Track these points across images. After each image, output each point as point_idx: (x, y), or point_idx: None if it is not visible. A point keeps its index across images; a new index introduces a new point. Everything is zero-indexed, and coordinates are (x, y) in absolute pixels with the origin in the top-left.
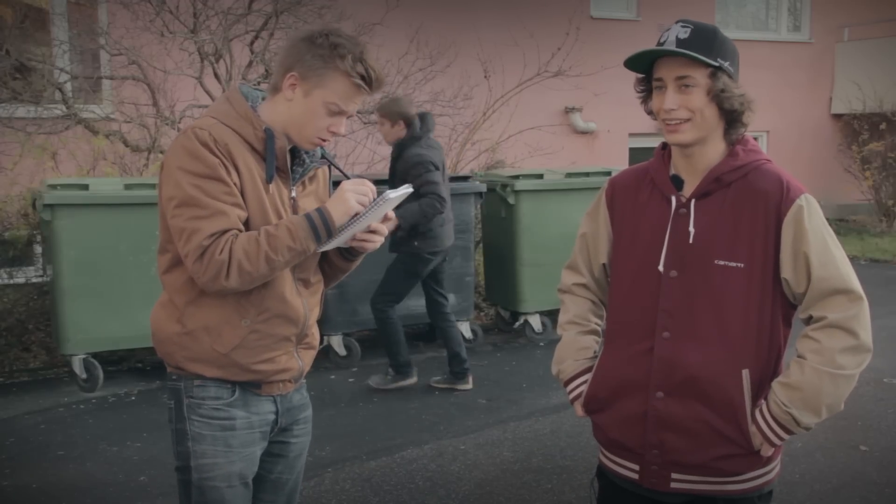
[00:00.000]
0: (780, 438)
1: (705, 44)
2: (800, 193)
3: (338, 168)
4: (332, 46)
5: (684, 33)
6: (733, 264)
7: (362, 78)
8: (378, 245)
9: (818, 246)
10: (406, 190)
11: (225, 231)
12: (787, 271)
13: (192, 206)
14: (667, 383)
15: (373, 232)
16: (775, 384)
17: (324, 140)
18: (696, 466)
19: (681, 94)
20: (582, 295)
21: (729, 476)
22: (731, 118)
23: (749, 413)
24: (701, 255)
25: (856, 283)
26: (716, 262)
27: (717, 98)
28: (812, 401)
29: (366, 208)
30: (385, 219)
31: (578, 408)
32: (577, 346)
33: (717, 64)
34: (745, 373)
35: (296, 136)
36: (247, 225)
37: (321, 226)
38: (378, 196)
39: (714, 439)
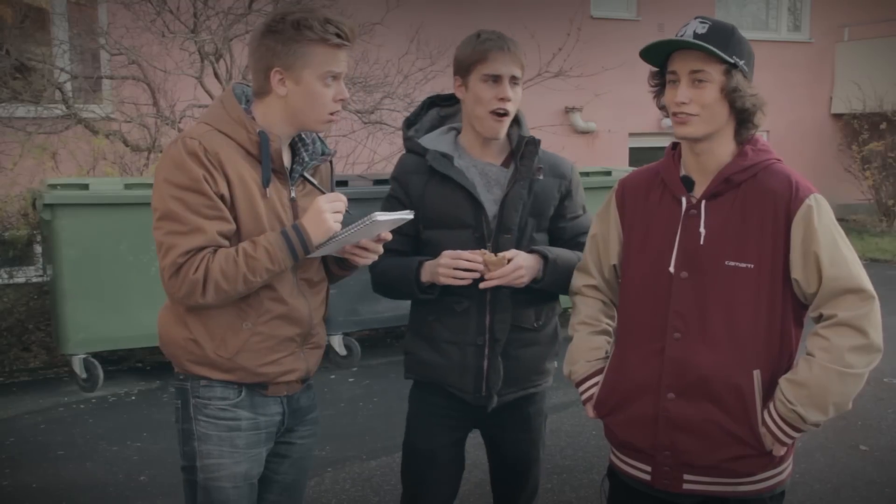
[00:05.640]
0: (789, 437)
1: (722, 40)
2: (809, 193)
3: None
4: (294, 25)
5: (702, 28)
6: (743, 265)
7: (337, 35)
8: (370, 262)
9: (828, 245)
10: (404, 216)
11: (201, 248)
12: (797, 271)
13: (171, 220)
14: (678, 384)
15: (364, 248)
16: (782, 381)
17: (333, 114)
18: (709, 468)
19: (694, 89)
20: (593, 296)
21: (741, 477)
22: (742, 118)
23: (760, 414)
24: (711, 256)
25: (867, 283)
26: (726, 263)
27: (730, 96)
28: (819, 398)
29: (349, 227)
30: (379, 238)
31: (590, 409)
32: (588, 347)
33: (732, 61)
34: (757, 373)
35: (307, 123)
36: (239, 234)
37: (299, 247)
38: (366, 216)
39: (726, 440)
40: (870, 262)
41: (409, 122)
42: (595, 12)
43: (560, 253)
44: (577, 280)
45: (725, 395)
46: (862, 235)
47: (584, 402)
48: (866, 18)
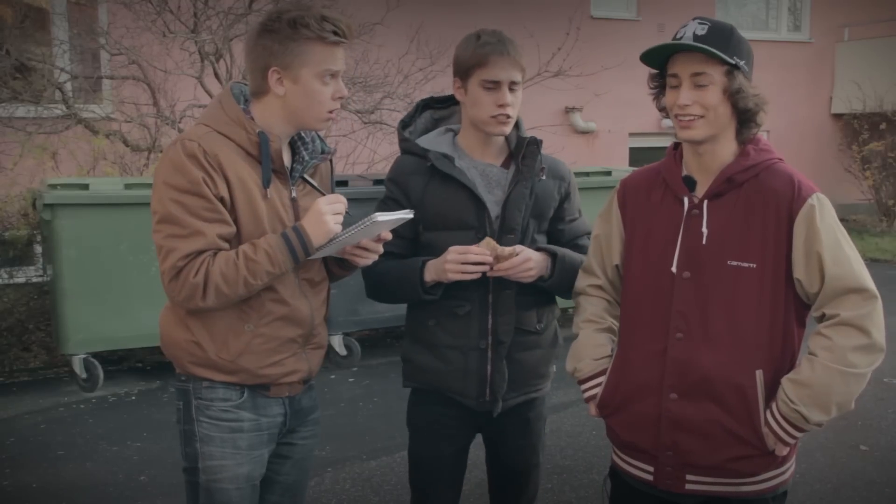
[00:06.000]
0: (792, 437)
1: (722, 41)
2: (811, 193)
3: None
4: (290, 24)
5: (702, 30)
6: (746, 265)
7: (334, 33)
8: (370, 262)
9: (831, 245)
10: (404, 215)
11: (201, 252)
12: (799, 271)
13: (170, 223)
14: (680, 384)
15: (364, 248)
16: (785, 381)
17: (332, 112)
18: (711, 468)
19: (696, 91)
20: (597, 295)
21: (744, 477)
22: (745, 118)
23: (763, 414)
24: (714, 255)
25: (870, 282)
26: (728, 262)
27: (733, 97)
28: (822, 398)
29: (350, 227)
30: (379, 238)
31: (592, 407)
32: (594, 344)
33: (733, 62)
34: (759, 373)
35: (306, 121)
36: (240, 236)
37: (299, 249)
38: (366, 217)
39: (728, 440)
40: (870, 262)
41: (404, 124)
42: (595, 12)
43: (567, 251)
44: (582, 280)
45: (728, 395)
46: (862, 235)
47: (587, 401)
48: (866, 18)
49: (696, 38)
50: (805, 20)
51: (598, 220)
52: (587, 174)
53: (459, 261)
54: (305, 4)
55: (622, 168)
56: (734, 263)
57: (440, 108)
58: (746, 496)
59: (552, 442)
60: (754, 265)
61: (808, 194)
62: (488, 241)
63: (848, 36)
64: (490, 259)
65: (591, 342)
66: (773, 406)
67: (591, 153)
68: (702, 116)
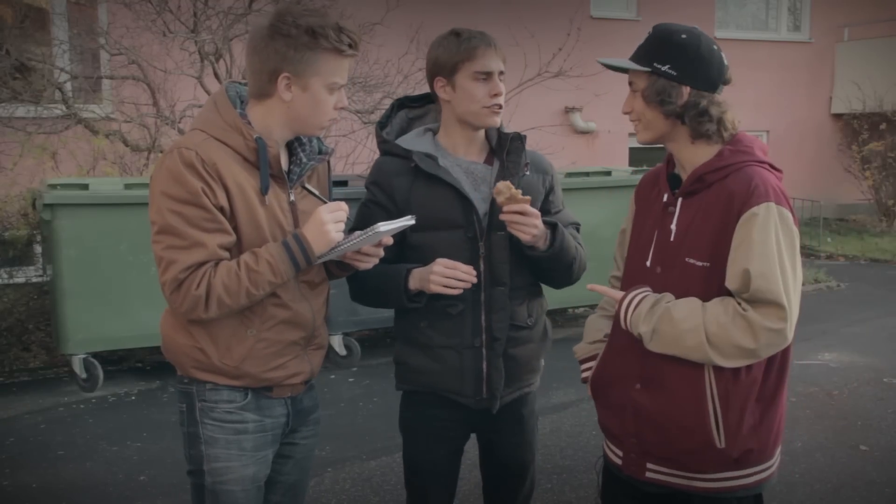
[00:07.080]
0: (622, 316)
1: (649, 49)
2: (763, 201)
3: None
4: (309, 32)
5: (643, 40)
6: (699, 263)
7: (350, 46)
8: (371, 266)
9: (761, 258)
10: (405, 222)
11: (202, 263)
12: (728, 272)
13: (170, 234)
14: (642, 375)
15: (365, 253)
16: (669, 305)
17: (330, 121)
18: (666, 459)
19: (632, 97)
20: (615, 286)
21: (693, 472)
22: (692, 122)
23: (711, 410)
24: (677, 252)
25: (790, 302)
26: (686, 259)
27: (656, 101)
28: (665, 338)
29: (350, 237)
30: (380, 244)
31: (589, 388)
32: (594, 328)
33: (647, 69)
34: (708, 370)
35: (306, 128)
36: (240, 243)
37: (301, 258)
38: (368, 227)
39: (679, 433)
40: (870, 263)
41: (381, 125)
42: (595, 12)
43: (565, 230)
44: (611, 273)
45: (679, 389)
46: (862, 235)
47: (583, 381)
48: (866, 18)
49: (636, 48)
50: (805, 20)
51: (627, 215)
52: (587, 174)
53: (446, 274)
54: (319, 11)
55: (622, 168)
56: (690, 261)
57: (415, 108)
58: (701, 492)
59: (552, 442)
60: (708, 264)
61: (757, 202)
62: (508, 184)
63: (848, 36)
64: (474, 279)
65: (592, 327)
66: (640, 296)
67: (591, 153)
68: (639, 121)
